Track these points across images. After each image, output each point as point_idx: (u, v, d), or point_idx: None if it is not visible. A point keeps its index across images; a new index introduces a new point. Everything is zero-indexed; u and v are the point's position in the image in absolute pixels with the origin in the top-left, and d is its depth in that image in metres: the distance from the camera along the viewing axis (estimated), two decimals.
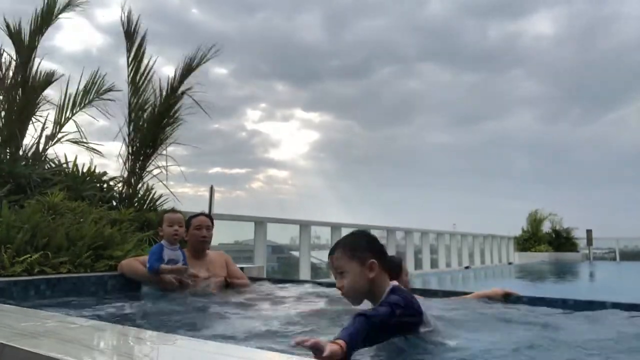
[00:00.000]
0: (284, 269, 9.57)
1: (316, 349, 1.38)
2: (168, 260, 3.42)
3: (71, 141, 5.56)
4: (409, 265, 10.91)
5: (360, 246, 2.05)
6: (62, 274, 3.38)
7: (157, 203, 5.52)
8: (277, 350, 1.67)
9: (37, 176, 4.68)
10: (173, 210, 3.75)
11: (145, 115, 5.80)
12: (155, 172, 5.72)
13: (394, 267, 3.14)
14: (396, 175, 38.58)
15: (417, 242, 12.26)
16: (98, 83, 5.72)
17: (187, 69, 5.82)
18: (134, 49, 5.81)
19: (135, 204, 5.33)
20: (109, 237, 3.89)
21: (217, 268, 3.73)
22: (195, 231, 3.69)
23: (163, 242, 3.50)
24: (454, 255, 13.60)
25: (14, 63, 5.29)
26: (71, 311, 2.45)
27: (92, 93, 5.69)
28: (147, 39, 5.85)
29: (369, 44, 32.70)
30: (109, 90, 5.76)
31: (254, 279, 4.12)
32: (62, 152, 5.63)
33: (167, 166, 5.70)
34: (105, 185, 5.41)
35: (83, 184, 4.96)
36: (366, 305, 2.05)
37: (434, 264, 12.77)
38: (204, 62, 5.84)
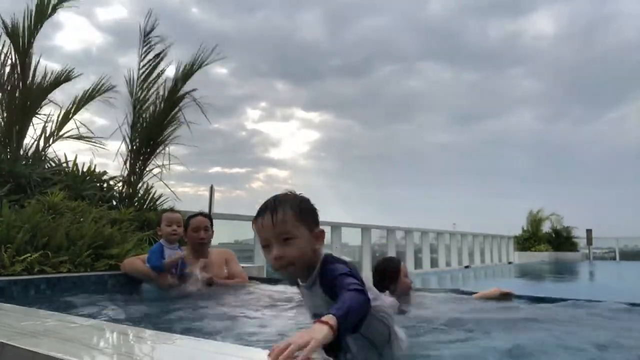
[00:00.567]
0: None
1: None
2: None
3: (74, 137, 5.57)
4: (409, 264, 10.92)
5: (309, 209, 1.67)
6: (62, 273, 3.38)
7: (157, 203, 5.53)
8: None
9: (37, 176, 4.68)
10: (172, 210, 3.76)
11: (145, 115, 5.81)
12: (156, 171, 5.74)
13: (392, 270, 3.14)
14: (396, 175, 38.55)
15: (417, 242, 12.27)
16: (102, 84, 5.74)
17: (189, 71, 5.83)
18: (149, 52, 5.82)
19: (135, 204, 5.34)
20: (109, 237, 3.90)
21: (215, 268, 3.72)
22: (193, 233, 3.70)
23: (162, 241, 3.51)
24: (453, 255, 13.61)
25: (13, 61, 5.28)
26: (71, 310, 2.45)
27: (98, 92, 5.70)
28: (169, 46, 5.87)
29: (370, 42, 32.68)
30: (113, 88, 5.78)
31: (253, 279, 4.12)
32: (62, 151, 5.65)
33: (168, 164, 5.72)
34: (105, 185, 5.42)
35: (83, 184, 4.96)
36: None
37: (434, 263, 12.78)
38: (206, 65, 5.85)
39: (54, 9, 5.38)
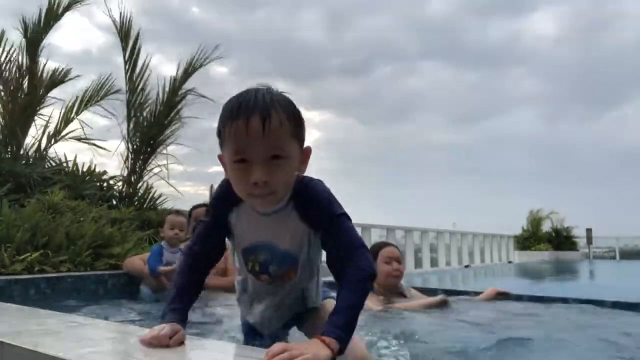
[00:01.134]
0: None
1: None
2: (165, 264, 3.38)
3: (75, 138, 5.58)
4: (409, 264, 10.91)
5: (302, 117, 1.27)
6: (62, 272, 3.39)
7: (157, 202, 5.54)
8: None
9: (37, 175, 4.68)
10: (177, 212, 3.68)
11: (145, 114, 5.81)
12: (156, 170, 5.74)
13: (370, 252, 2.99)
14: (396, 174, 38.62)
15: (417, 241, 12.26)
16: (105, 84, 5.75)
17: (190, 70, 5.83)
18: (128, 49, 5.82)
19: (135, 203, 5.35)
20: (109, 236, 3.90)
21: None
22: (194, 222, 3.64)
23: (163, 243, 3.47)
24: (453, 254, 13.60)
25: (19, 62, 5.29)
26: (71, 310, 2.46)
27: (101, 93, 5.71)
28: (142, 38, 5.91)
29: (370, 42, 32.76)
30: (116, 91, 5.79)
31: None
32: (63, 151, 5.65)
33: (167, 164, 5.72)
34: (105, 184, 5.42)
35: (83, 183, 4.97)
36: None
37: (433, 262, 12.77)
38: (207, 64, 5.85)
39: (66, 9, 5.42)
